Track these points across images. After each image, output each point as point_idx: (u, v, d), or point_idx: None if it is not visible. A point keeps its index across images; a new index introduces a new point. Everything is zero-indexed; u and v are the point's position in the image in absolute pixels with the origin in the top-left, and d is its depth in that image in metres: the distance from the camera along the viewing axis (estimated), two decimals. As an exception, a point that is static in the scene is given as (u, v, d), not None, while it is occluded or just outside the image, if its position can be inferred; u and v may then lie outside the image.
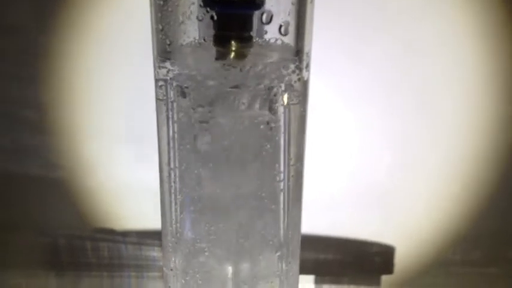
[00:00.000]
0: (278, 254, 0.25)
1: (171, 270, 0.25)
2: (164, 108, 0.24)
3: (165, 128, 0.24)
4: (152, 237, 0.48)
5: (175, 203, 0.24)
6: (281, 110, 0.23)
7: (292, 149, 0.24)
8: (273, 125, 0.23)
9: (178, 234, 0.24)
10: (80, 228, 0.48)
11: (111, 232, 0.48)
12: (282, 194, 0.24)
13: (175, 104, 0.23)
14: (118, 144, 0.45)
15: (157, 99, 0.24)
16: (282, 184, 0.24)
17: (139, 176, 0.46)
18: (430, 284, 0.48)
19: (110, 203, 0.47)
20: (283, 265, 0.26)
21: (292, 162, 0.24)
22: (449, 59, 0.43)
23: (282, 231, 0.25)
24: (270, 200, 0.24)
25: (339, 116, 0.44)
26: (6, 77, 0.44)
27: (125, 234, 0.48)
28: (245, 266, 0.25)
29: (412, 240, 0.47)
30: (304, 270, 0.48)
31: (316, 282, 0.49)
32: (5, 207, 0.48)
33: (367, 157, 0.45)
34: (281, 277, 0.26)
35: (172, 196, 0.24)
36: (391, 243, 0.47)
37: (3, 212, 0.48)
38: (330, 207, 0.47)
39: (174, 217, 0.24)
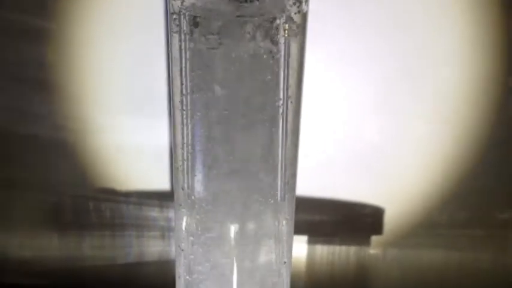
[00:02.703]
0: (278, 183, 0.27)
1: (182, 189, 0.27)
2: (177, 38, 0.26)
3: (178, 58, 0.26)
4: (153, 197, 0.50)
5: (187, 127, 0.27)
6: (282, 40, 0.26)
7: (292, 79, 0.27)
8: (274, 54, 0.26)
9: (189, 155, 0.27)
10: (82, 188, 0.50)
11: (113, 192, 0.50)
12: (281, 118, 0.26)
13: (188, 36, 0.26)
14: (122, 106, 0.47)
15: (171, 32, 0.26)
16: (281, 109, 0.26)
17: (142, 137, 0.48)
18: (418, 244, 0.51)
19: (112, 164, 0.49)
20: (281, 191, 0.28)
21: (290, 93, 0.27)
22: (436, 27, 0.45)
23: (280, 156, 0.27)
24: (270, 122, 0.26)
25: (331, 83, 0.46)
26: (13, 38, 0.46)
27: (127, 194, 0.50)
28: (242, 191, 0.27)
29: (401, 202, 0.49)
30: (297, 230, 0.51)
31: (309, 242, 0.51)
32: (9, 167, 0.50)
33: (358, 122, 0.47)
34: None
35: (184, 121, 0.27)
36: (381, 205, 0.50)
37: (7, 172, 0.50)
38: (323, 171, 0.49)
39: (185, 141, 0.27)
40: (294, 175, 0.28)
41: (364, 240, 0.51)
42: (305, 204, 0.49)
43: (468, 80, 0.45)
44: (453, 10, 0.44)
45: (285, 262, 0.29)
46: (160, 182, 0.49)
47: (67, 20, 0.45)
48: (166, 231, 0.51)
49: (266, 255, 0.28)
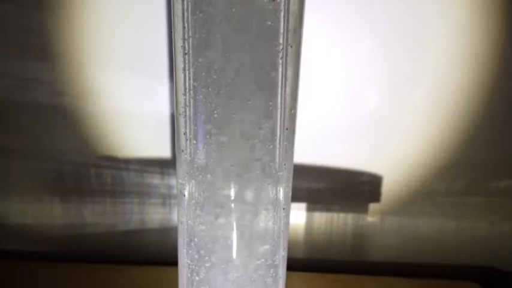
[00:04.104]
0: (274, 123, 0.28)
1: (184, 135, 0.28)
2: (179, -17, 0.26)
3: (179, 2, 0.27)
4: (154, 165, 0.50)
5: (189, 73, 0.27)
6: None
7: (291, 25, 0.27)
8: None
9: (191, 100, 0.27)
10: (84, 155, 0.50)
11: (115, 159, 0.50)
12: (281, 63, 0.27)
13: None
14: (122, 73, 0.48)
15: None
16: (281, 54, 0.27)
17: (142, 104, 0.48)
18: (415, 212, 0.51)
19: (114, 131, 0.49)
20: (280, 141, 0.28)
21: (290, 38, 0.27)
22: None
23: (279, 100, 0.27)
24: (270, 67, 0.27)
25: (330, 52, 0.47)
26: (14, 3, 0.46)
27: (128, 161, 0.50)
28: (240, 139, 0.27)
29: (399, 170, 0.50)
30: (297, 198, 0.51)
31: (308, 209, 0.52)
32: (10, 134, 0.50)
33: (357, 90, 0.48)
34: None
35: (186, 67, 0.27)
36: (379, 173, 0.50)
37: (9, 138, 0.50)
38: (322, 139, 0.49)
39: (187, 86, 0.27)
40: (293, 118, 0.29)
41: (362, 208, 0.51)
42: (304, 172, 0.50)
43: (467, 50, 0.46)
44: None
45: (284, 209, 0.29)
46: (161, 149, 0.50)
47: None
48: (167, 199, 0.51)
49: (265, 198, 0.29)
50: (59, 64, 0.47)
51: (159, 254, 0.52)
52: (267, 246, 0.30)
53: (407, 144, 0.49)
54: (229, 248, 0.29)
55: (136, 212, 0.52)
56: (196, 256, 0.30)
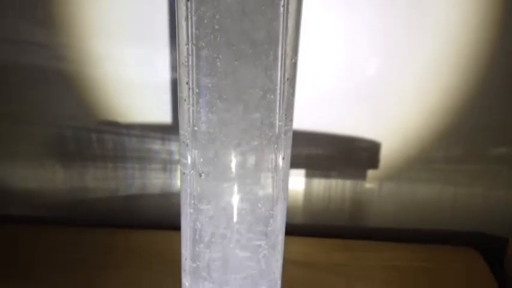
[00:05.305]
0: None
1: (187, 84, 0.28)
2: None
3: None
4: (155, 130, 0.51)
5: (191, 21, 0.27)
6: None
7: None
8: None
9: (194, 48, 0.28)
10: (85, 120, 0.51)
11: (116, 125, 0.51)
12: (282, 10, 0.27)
13: None
14: (124, 39, 0.48)
15: None
16: (282, 2, 0.27)
17: (143, 69, 0.49)
18: (413, 179, 0.52)
19: (115, 96, 0.50)
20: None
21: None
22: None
23: (280, 49, 0.28)
24: (271, 15, 0.27)
25: (329, 14, 0.46)
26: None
27: (129, 127, 0.51)
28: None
29: (398, 137, 0.50)
30: (296, 164, 0.52)
31: (307, 175, 0.52)
32: (12, 99, 0.50)
33: (356, 55, 0.48)
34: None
35: (189, 16, 0.27)
36: (378, 140, 0.51)
37: (10, 104, 0.51)
38: (321, 105, 0.50)
39: (190, 34, 0.28)
40: (294, 68, 0.29)
41: (361, 174, 0.52)
42: (303, 139, 0.50)
43: (468, 18, 0.46)
44: None
45: (283, 158, 0.30)
46: (162, 115, 0.50)
47: None
48: (168, 164, 0.52)
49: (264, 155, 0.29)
50: (58, 28, 0.47)
51: (159, 219, 0.53)
52: (265, 191, 0.30)
53: (406, 110, 0.50)
54: (230, 194, 0.30)
55: (138, 177, 0.52)
56: (198, 205, 0.30)
